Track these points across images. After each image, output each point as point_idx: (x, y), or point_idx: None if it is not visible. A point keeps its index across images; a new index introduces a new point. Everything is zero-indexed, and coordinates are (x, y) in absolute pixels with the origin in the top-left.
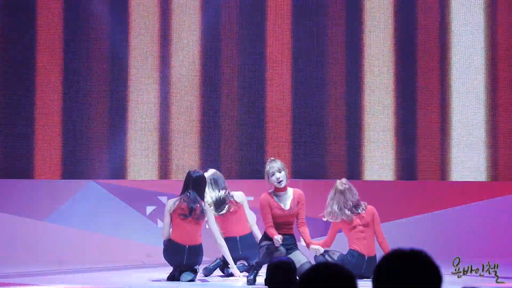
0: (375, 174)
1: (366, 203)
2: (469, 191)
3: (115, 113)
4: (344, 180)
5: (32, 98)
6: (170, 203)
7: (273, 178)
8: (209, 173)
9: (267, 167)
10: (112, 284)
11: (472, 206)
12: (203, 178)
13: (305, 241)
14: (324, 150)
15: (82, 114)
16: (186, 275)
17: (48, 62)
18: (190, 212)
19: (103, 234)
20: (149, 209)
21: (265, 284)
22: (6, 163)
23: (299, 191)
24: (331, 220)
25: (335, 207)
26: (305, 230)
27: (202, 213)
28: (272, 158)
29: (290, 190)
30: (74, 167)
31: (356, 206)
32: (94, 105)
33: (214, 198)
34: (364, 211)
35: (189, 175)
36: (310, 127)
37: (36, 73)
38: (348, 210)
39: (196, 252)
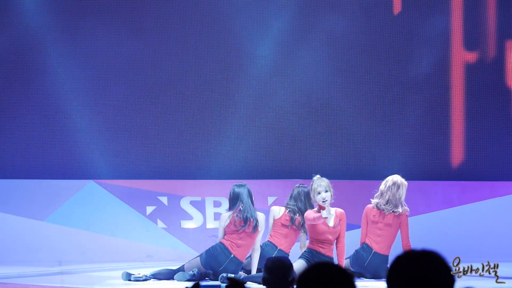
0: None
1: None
2: (469, 191)
3: (116, 114)
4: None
5: (33, 99)
6: (224, 218)
7: (319, 196)
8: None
9: (315, 185)
10: (112, 284)
11: (472, 206)
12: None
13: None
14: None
15: (83, 115)
16: (182, 275)
17: (56, 63)
18: (245, 224)
19: (103, 234)
20: (149, 209)
21: (263, 284)
22: (6, 163)
23: (340, 210)
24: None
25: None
26: (342, 252)
27: (256, 226)
28: (319, 176)
29: (332, 209)
30: (74, 167)
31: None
32: (94, 106)
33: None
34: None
35: (240, 188)
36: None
37: (38, 73)
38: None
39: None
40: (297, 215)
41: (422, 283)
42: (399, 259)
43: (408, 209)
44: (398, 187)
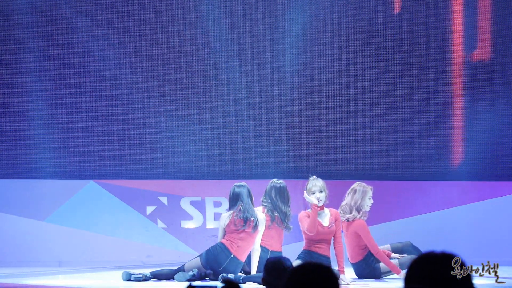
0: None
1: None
2: (469, 191)
3: (116, 114)
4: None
5: (32, 99)
6: (224, 218)
7: (313, 196)
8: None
9: (310, 185)
10: (112, 284)
11: (472, 206)
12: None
13: (338, 266)
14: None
15: (83, 115)
16: (182, 275)
17: (56, 63)
18: (245, 223)
19: (103, 234)
20: (149, 209)
21: (263, 284)
22: (6, 163)
23: (335, 210)
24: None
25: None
26: (341, 252)
27: (256, 225)
28: (314, 176)
29: (326, 209)
30: (74, 167)
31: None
32: (94, 106)
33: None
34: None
35: (240, 188)
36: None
37: (38, 73)
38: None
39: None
40: (275, 213)
41: (441, 285)
42: (417, 261)
43: (360, 216)
44: (355, 192)
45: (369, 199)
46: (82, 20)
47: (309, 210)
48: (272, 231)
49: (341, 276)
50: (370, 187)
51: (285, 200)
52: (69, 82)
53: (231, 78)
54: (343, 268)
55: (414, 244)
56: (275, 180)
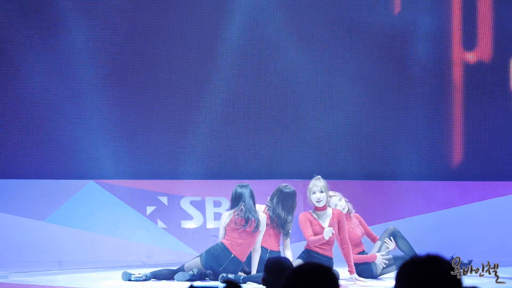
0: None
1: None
2: (469, 191)
3: (116, 114)
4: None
5: (33, 99)
6: (225, 216)
7: (313, 196)
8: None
9: (311, 185)
10: (112, 284)
11: (472, 206)
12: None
13: (348, 266)
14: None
15: (83, 115)
16: (182, 275)
17: (57, 63)
18: (246, 223)
19: (103, 234)
20: (149, 209)
21: (263, 284)
22: (6, 163)
23: (338, 210)
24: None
25: None
26: (349, 253)
27: (258, 226)
28: (319, 176)
29: (329, 210)
30: (74, 167)
31: None
32: (94, 106)
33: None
34: None
35: (243, 188)
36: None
37: (38, 73)
38: None
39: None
40: (274, 215)
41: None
42: (405, 265)
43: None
44: None
45: (335, 206)
46: (81, 20)
47: (311, 211)
48: (270, 230)
49: (352, 276)
50: (334, 193)
51: (287, 207)
52: (69, 82)
53: (232, 78)
54: (353, 267)
55: (414, 244)
56: (283, 184)
